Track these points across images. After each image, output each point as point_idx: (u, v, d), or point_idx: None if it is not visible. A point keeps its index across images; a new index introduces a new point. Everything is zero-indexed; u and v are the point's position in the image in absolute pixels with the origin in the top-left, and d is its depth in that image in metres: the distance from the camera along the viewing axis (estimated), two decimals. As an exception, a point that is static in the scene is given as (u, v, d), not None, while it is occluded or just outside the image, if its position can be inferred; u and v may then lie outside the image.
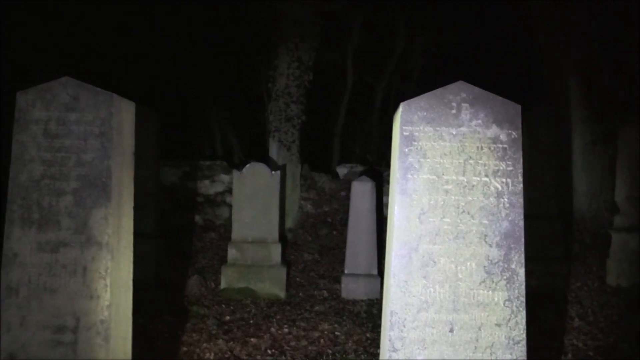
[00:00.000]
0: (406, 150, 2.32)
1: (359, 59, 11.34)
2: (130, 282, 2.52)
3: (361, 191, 6.18)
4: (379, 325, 5.22)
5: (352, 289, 6.03)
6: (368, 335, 5.02)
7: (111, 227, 2.32)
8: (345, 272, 6.14)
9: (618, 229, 6.17)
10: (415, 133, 2.33)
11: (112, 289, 2.31)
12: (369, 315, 5.56)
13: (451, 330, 2.21)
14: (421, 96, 2.38)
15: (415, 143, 2.32)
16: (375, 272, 6.14)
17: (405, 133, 2.33)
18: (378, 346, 4.78)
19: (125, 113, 2.49)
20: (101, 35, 9.48)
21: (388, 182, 8.72)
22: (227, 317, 5.30)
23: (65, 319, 2.29)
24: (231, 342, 4.69)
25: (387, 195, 8.55)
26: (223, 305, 5.63)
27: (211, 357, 4.40)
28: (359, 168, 8.94)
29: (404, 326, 2.22)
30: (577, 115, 7.81)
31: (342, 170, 8.98)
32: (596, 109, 7.76)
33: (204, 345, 4.60)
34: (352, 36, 10.91)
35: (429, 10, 10.32)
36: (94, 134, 2.37)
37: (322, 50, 8.72)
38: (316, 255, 7.32)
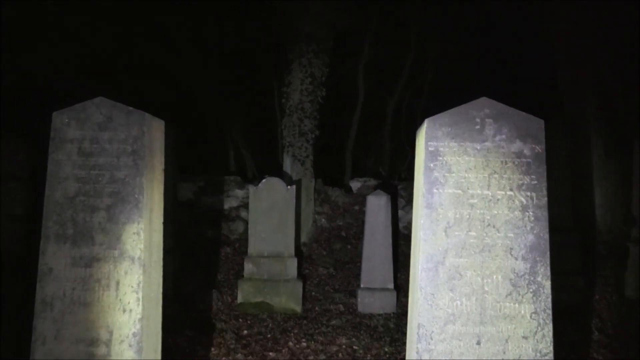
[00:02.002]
0: (431, 165, 2.37)
1: (370, 74, 11.45)
2: (160, 296, 2.57)
3: (377, 205, 6.21)
4: (397, 340, 5.23)
5: (368, 303, 6.04)
6: (386, 349, 5.02)
7: (143, 242, 2.38)
8: (362, 286, 6.15)
9: (635, 241, 6.15)
10: (440, 148, 2.38)
11: (144, 302, 2.36)
12: (386, 329, 5.56)
13: (478, 343, 2.24)
14: (445, 112, 2.44)
15: (441, 158, 2.37)
16: (391, 286, 6.15)
17: (430, 148, 2.38)
18: (397, 360, 4.79)
19: (155, 131, 2.56)
20: (119, 52, 9.67)
21: (401, 196, 8.75)
22: (245, 332, 5.32)
23: (98, 332, 2.34)
24: (250, 357, 4.72)
25: (401, 209, 8.59)
26: (240, 320, 5.66)
27: (231, 372, 4.43)
28: (373, 182, 8.98)
29: (431, 339, 2.25)
30: (592, 127, 7.81)
31: (355, 185, 9.03)
32: (611, 120, 7.77)
33: (223, 359, 4.63)
34: (363, 51, 11.03)
35: (440, 24, 10.42)
36: (127, 152, 2.44)
37: (334, 66, 8.82)
38: (331, 269, 7.34)
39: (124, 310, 2.34)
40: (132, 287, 2.35)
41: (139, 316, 2.34)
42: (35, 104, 6.94)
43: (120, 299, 2.35)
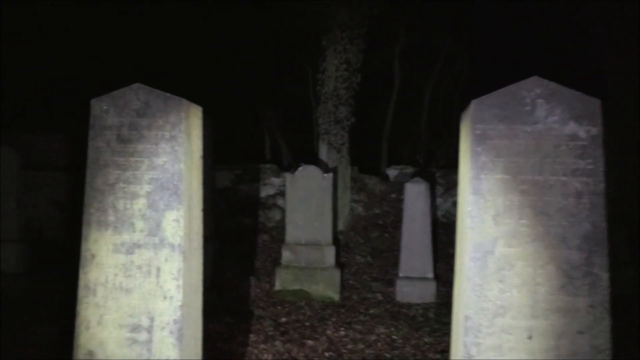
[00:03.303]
0: (479, 149, 2.25)
1: (406, 60, 11.22)
2: (201, 284, 2.55)
3: (415, 192, 6.08)
4: (437, 330, 5.12)
5: (407, 292, 5.94)
6: (426, 339, 4.92)
7: (183, 230, 2.36)
8: (400, 275, 6.06)
9: (689, 231, 5.83)
10: (488, 131, 2.26)
11: (184, 289, 2.35)
12: (426, 319, 5.46)
13: (530, 338, 2.13)
14: (493, 93, 2.31)
15: (489, 142, 2.25)
16: (430, 275, 6.03)
17: (477, 132, 2.26)
18: (437, 351, 4.68)
19: (193, 117, 2.53)
20: (155, 41, 9.78)
21: (439, 184, 8.57)
22: (283, 319, 5.32)
23: (140, 318, 2.34)
24: (288, 344, 4.71)
25: (440, 196, 8.41)
26: (278, 307, 5.66)
27: (269, 358, 4.43)
28: (410, 169, 8.83)
29: (480, 332, 2.15)
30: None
31: (392, 172, 8.89)
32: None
33: (262, 346, 4.64)
34: (398, 37, 10.81)
35: (476, 9, 10.08)
36: (165, 138, 2.42)
37: (369, 52, 8.67)
38: (368, 257, 7.26)
39: (165, 297, 2.34)
40: (172, 274, 2.34)
41: (179, 303, 2.33)
42: (71, 95, 7.10)
43: (161, 286, 2.34)
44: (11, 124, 9.69)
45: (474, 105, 2.30)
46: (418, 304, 5.82)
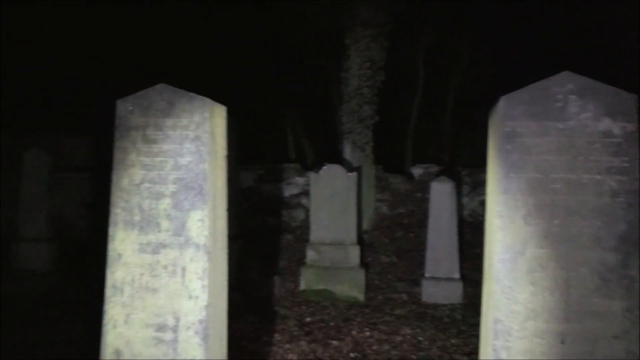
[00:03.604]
0: (508, 147, 2.19)
1: (430, 58, 11.09)
2: (225, 284, 2.55)
3: (441, 192, 6.00)
4: (464, 332, 5.04)
5: (433, 292, 5.87)
6: (453, 341, 4.84)
7: (207, 229, 2.36)
8: (426, 275, 5.99)
9: None
10: (518, 129, 2.19)
11: (209, 289, 2.34)
12: (452, 320, 5.38)
13: (562, 342, 2.06)
14: (523, 89, 2.24)
15: (518, 139, 2.18)
16: (457, 275, 5.94)
17: (506, 129, 2.20)
18: (464, 353, 4.60)
19: (217, 117, 2.53)
20: (178, 40, 9.89)
21: (465, 183, 8.44)
22: (308, 319, 5.30)
23: (166, 317, 2.35)
24: (313, 344, 4.69)
25: (466, 195, 8.29)
26: (303, 307, 5.65)
27: (294, 358, 4.41)
28: (435, 168, 8.72)
29: (510, 335, 2.09)
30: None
31: (417, 171, 8.80)
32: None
33: (287, 346, 4.63)
34: (422, 34, 10.69)
35: (502, 5, 9.89)
36: (189, 138, 2.42)
37: (393, 50, 8.60)
38: (393, 257, 7.20)
39: (190, 297, 2.34)
40: (197, 274, 2.34)
41: (204, 303, 2.33)
42: (96, 97, 7.22)
43: (186, 286, 2.35)
44: (40, 126, 9.92)
45: (503, 101, 2.24)
46: (444, 305, 5.73)
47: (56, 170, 7.07)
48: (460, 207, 7.75)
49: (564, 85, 2.21)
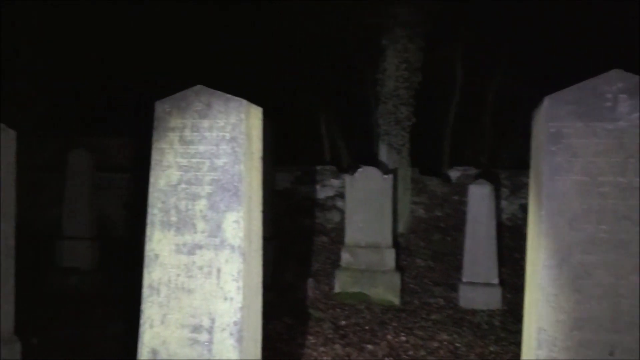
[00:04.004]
0: (553, 148, 2.10)
1: (468, 58, 10.87)
2: (260, 286, 2.54)
3: (479, 195, 5.86)
4: (503, 339, 4.90)
5: (470, 298, 5.74)
6: (491, 348, 4.71)
7: (243, 231, 2.36)
8: (463, 280, 5.86)
9: None
10: (564, 129, 2.10)
11: (244, 291, 2.34)
12: (491, 326, 5.24)
13: (611, 354, 1.95)
14: (568, 88, 2.14)
15: (564, 140, 2.09)
16: (495, 281, 5.79)
17: (551, 130, 2.11)
18: (504, 361, 4.47)
19: (253, 118, 2.52)
20: (214, 45, 10.04)
21: (505, 186, 8.23)
22: (342, 322, 5.26)
23: (201, 318, 2.36)
24: (347, 348, 4.65)
25: (505, 199, 8.07)
26: (337, 310, 5.61)
27: (328, 362, 4.39)
28: (473, 171, 8.54)
29: (554, 345, 2.00)
30: None
31: (454, 174, 8.64)
32: None
33: (321, 349, 4.60)
34: (460, 33, 10.49)
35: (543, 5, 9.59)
36: (226, 139, 2.42)
37: (430, 50, 8.47)
38: (429, 261, 7.08)
39: (225, 299, 2.34)
40: (232, 275, 2.34)
41: (239, 305, 2.32)
42: (135, 99, 7.40)
43: (221, 287, 2.35)
44: (84, 128, 10.24)
45: (547, 101, 2.15)
46: (482, 311, 5.60)
47: (99, 170, 7.26)
48: (499, 210, 7.56)
49: (613, 84, 2.11)
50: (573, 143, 2.10)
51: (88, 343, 4.62)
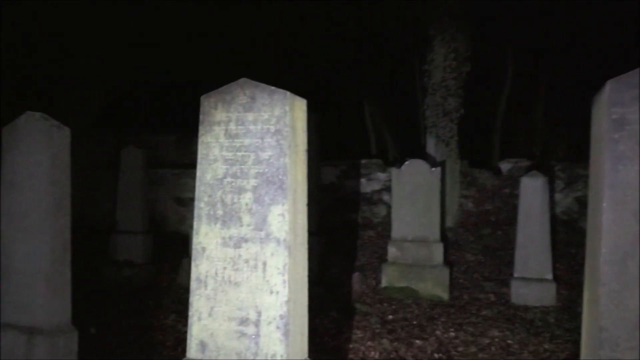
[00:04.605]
0: (616, 136, 1.96)
1: (520, 46, 10.46)
2: (306, 279, 2.52)
3: (532, 187, 5.64)
4: (559, 337, 4.70)
5: (523, 294, 5.54)
6: (546, 346, 4.53)
7: (288, 224, 2.34)
8: (515, 275, 5.67)
9: None
10: (628, 115, 1.96)
11: (289, 285, 2.33)
12: (545, 324, 5.04)
13: (681, 354, 1.82)
14: (634, 71, 2.00)
15: (628, 127, 1.95)
16: (549, 276, 5.57)
17: (614, 116, 1.97)
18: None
19: (297, 110, 2.50)
20: (258, 40, 10.11)
21: (559, 178, 7.89)
22: (390, 317, 5.20)
23: (248, 311, 2.36)
24: (395, 342, 4.58)
25: (559, 192, 7.75)
26: (385, 304, 5.55)
27: (376, 356, 4.34)
28: (525, 163, 8.24)
29: (617, 345, 1.88)
30: None
31: (505, 166, 8.36)
32: None
33: (369, 343, 4.56)
34: (511, 22, 10.10)
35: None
36: (270, 132, 2.41)
37: (480, 40, 8.21)
38: (479, 256, 6.89)
39: (271, 292, 2.33)
40: (278, 269, 2.33)
41: (285, 299, 2.31)
42: (186, 96, 7.55)
43: (267, 281, 2.34)
44: (137, 125, 10.57)
45: (610, 85, 2.01)
46: (536, 307, 5.40)
47: (150, 167, 7.47)
48: (552, 204, 7.26)
49: (683, 66, 1.95)
50: (638, 130, 1.95)
51: (142, 333, 4.77)
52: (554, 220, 6.59)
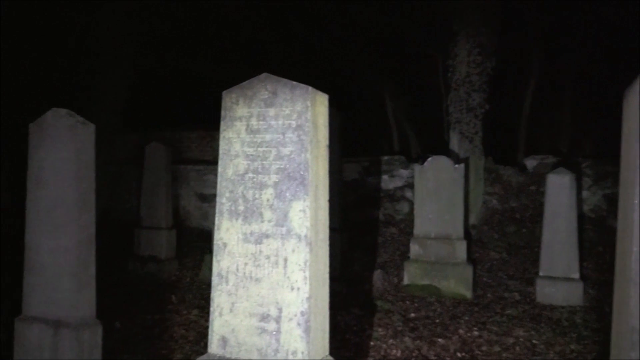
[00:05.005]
0: (649, 130, 1.89)
1: (546, 41, 10.24)
2: (327, 276, 2.50)
3: (559, 184, 5.52)
4: (586, 337, 4.59)
5: (548, 293, 5.43)
6: (572, 346, 4.43)
7: (309, 220, 2.32)
8: (540, 274, 5.56)
9: None
10: (661, 109, 1.88)
11: (310, 281, 2.31)
12: (572, 324, 4.93)
13: None
14: (667, 64, 1.92)
15: (661, 122, 1.88)
16: (576, 275, 5.45)
17: (646, 110, 1.90)
18: (587, 361, 4.19)
19: (319, 105, 2.48)
20: (278, 38, 10.11)
21: (586, 175, 7.71)
22: (412, 314, 5.15)
23: (269, 308, 2.35)
24: (418, 341, 4.54)
25: (587, 189, 7.56)
26: (407, 302, 5.50)
27: (398, 354, 4.30)
28: (551, 159, 8.07)
29: (649, 346, 1.81)
30: None
31: (530, 163, 8.20)
32: None
33: (391, 341, 4.52)
34: (537, 16, 9.89)
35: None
36: (292, 127, 2.39)
37: (505, 34, 8.06)
38: (504, 254, 6.78)
39: (292, 288, 2.32)
40: (299, 265, 2.32)
41: (306, 295, 2.30)
42: (208, 92, 7.59)
43: (288, 277, 2.33)
44: (161, 122, 10.68)
45: (642, 78, 1.94)
46: (562, 307, 5.29)
47: (174, 163, 7.55)
48: (580, 201, 7.10)
49: None
50: (672, 124, 1.88)
51: (165, 328, 4.82)
52: (581, 218, 6.44)
